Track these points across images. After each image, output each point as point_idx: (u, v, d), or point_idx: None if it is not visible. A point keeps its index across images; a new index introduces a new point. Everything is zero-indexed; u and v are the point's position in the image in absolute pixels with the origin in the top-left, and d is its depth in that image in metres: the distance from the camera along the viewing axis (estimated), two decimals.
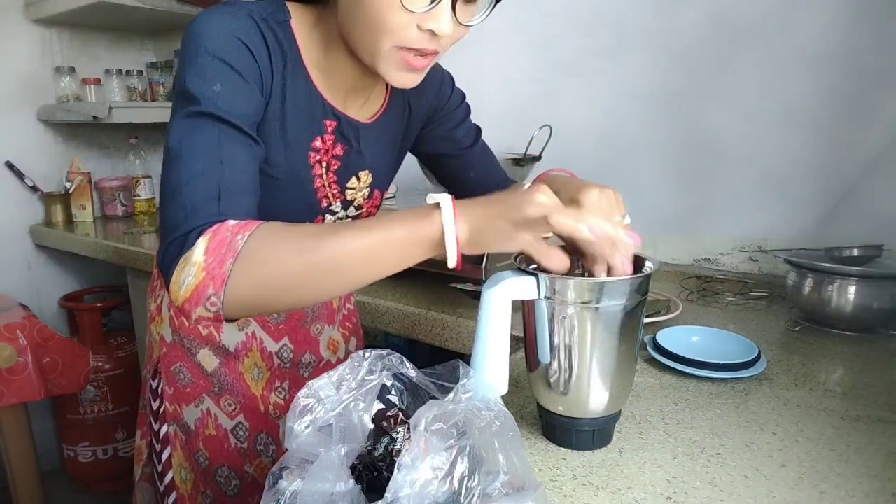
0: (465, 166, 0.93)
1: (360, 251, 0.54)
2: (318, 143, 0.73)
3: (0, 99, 1.99)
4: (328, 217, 0.79)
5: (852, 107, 1.19)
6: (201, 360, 0.85)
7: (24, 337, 1.56)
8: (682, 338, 0.91)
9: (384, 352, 0.53)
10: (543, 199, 0.54)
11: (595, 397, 0.64)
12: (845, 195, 1.22)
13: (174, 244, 0.55)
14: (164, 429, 0.87)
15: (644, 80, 1.43)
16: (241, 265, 0.52)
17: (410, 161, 1.51)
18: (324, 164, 0.75)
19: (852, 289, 0.98)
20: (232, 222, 0.55)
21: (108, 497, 2.05)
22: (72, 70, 2.07)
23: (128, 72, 2.15)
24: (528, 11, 1.58)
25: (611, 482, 0.60)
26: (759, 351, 0.85)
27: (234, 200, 0.57)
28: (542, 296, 0.62)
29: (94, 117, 1.85)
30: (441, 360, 0.68)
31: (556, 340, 0.63)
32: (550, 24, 1.55)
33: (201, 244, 0.53)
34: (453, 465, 0.44)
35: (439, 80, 0.88)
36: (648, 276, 0.63)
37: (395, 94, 0.82)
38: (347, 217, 0.82)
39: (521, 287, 0.61)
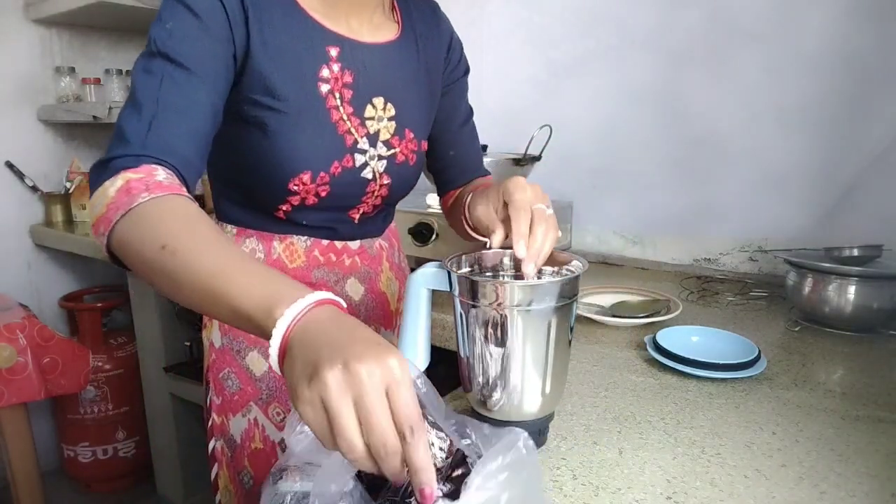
0: (449, 142, 0.93)
1: (198, 289, 0.50)
2: (324, 72, 0.72)
3: (0, 99, 1.99)
4: (358, 157, 0.76)
5: (852, 107, 1.19)
6: (250, 364, 0.81)
7: (24, 337, 1.56)
8: (682, 338, 0.91)
9: None
10: (394, 370, 0.40)
11: (530, 401, 0.64)
12: (845, 195, 1.22)
13: (100, 165, 0.59)
14: (212, 444, 0.83)
15: (644, 80, 1.43)
16: (124, 222, 0.54)
17: None
18: (336, 94, 0.73)
19: (852, 289, 0.98)
20: (159, 174, 0.57)
21: (108, 497, 2.05)
22: (72, 70, 2.07)
23: (128, 72, 2.14)
24: (528, 11, 1.58)
25: (611, 482, 0.60)
26: (759, 351, 0.85)
27: (161, 138, 0.60)
28: (456, 291, 0.64)
29: (94, 117, 1.85)
30: (440, 359, 0.68)
31: (475, 342, 0.64)
32: (550, 24, 1.55)
33: (120, 181, 0.56)
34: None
35: (449, 34, 0.89)
36: (578, 277, 0.64)
37: (405, 28, 0.82)
38: (380, 157, 0.79)
39: (435, 278, 0.66)
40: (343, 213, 0.81)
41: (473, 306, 0.62)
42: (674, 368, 0.84)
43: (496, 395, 0.64)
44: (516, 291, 0.60)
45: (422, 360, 0.69)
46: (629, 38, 1.44)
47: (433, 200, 1.40)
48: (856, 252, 1.04)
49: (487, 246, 0.69)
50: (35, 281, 2.13)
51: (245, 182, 0.76)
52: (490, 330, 0.62)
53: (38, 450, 1.68)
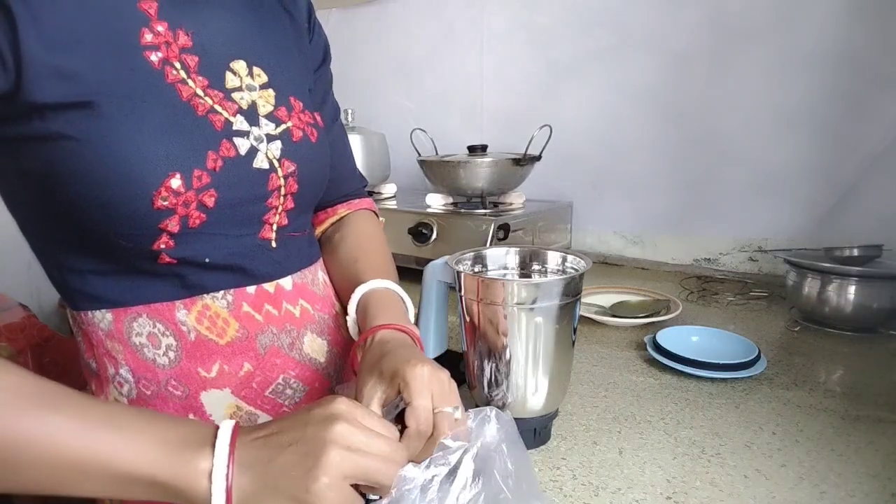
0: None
1: (67, 475, 0.41)
2: (148, 37, 0.52)
3: None
4: (240, 143, 0.56)
5: (852, 107, 1.19)
6: None
7: (24, 337, 1.56)
8: (682, 338, 0.91)
9: None
10: (339, 452, 0.42)
11: (534, 398, 0.65)
12: (845, 195, 1.22)
13: None
14: None
15: (644, 80, 1.43)
16: None
17: (410, 160, 1.51)
18: (177, 64, 0.53)
19: (852, 289, 0.98)
20: None
21: None
22: None
23: None
24: (528, 11, 1.58)
25: (611, 482, 0.60)
26: (759, 351, 0.85)
27: None
28: (461, 290, 0.65)
29: None
30: (440, 359, 0.68)
31: (480, 340, 0.65)
32: (550, 24, 1.55)
33: None
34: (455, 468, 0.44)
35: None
36: (581, 276, 0.64)
37: None
38: (270, 138, 0.59)
39: (444, 271, 0.71)
40: (253, 234, 0.59)
41: (478, 304, 0.62)
42: (674, 368, 0.84)
43: (501, 393, 0.64)
44: (520, 289, 0.61)
45: (443, 344, 0.74)
46: (629, 38, 1.43)
47: (433, 200, 1.40)
48: (856, 252, 1.04)
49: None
50: (35, 281, 2.13)
51: (98, 236, 0.53)
52: (494, 328, 0.62)
53: None
